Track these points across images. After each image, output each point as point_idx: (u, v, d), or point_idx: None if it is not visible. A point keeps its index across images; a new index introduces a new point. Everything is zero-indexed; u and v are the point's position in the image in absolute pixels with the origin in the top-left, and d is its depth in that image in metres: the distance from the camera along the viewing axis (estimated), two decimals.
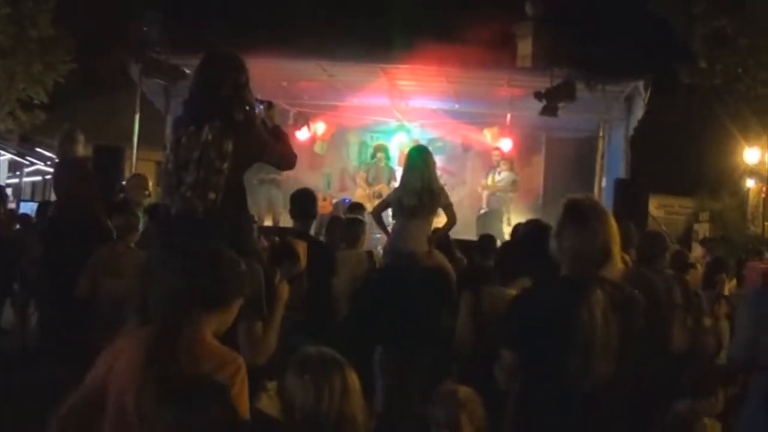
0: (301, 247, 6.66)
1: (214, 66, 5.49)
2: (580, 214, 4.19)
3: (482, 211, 17.96)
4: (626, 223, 6.75)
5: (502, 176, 18.05)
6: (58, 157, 9.97)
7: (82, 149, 9.64)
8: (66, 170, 9.72)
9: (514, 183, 18.14)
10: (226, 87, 5.35)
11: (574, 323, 3.95)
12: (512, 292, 6.43)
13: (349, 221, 9.72)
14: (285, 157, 5.86)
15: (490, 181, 18.13)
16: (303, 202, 8.11)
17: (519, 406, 4.27)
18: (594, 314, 3.95)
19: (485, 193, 18.08)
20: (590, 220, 4.14)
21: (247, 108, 5.45)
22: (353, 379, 3.61)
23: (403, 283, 7.52)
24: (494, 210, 17.78)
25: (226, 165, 5.11)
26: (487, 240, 9.58)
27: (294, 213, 8.12)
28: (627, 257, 6.48)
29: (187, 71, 15.46)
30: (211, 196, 5.08)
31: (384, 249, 8.55)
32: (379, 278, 7.99)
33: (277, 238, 7.47)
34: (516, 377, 4.26)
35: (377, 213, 9.15)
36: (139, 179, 10.42)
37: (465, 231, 13.05)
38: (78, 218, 9.11)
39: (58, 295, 8.89)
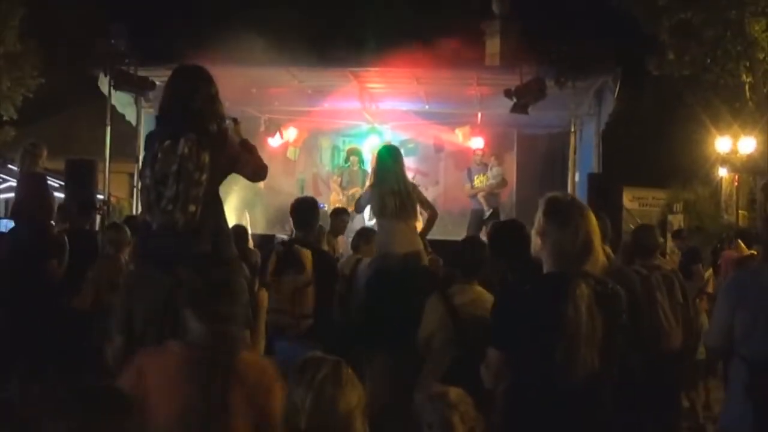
0: (306, 256, 6.67)
1: (184, 80, 5.52)
2: (560, 211, 4.23)
3: (488, 213, 17.75)
4: (602, 217, 6.80)
5: (494, 172, 17.99)
6: (18, 172, 10.02)
7: (42, 163, 9.69)
8: (21, 185, 9.86)
9: (504, 178, 18.16)
10: (198, 100, 5.37)
11: (559, 318, 4.00)
12: (478, 288, 6.49)
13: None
14: (257, 169, 5.88)
15: (479, 181, 18.02)
16: (305, 211, 8.13)
17: (508, 404, 4.31)
18: (579, 309, 4.00)
19: (481, 194, 17.97)
20: (571, 217, 4.19)
21: (219, 120, 5.49)
22: (352, 376, 3.56)
23: (404, 284, 7.47)
24: (495, 209, 17.73)
25: (204, 177, 5.13)
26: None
27: (296, 223, 8.14)
28: (608, 250, 6.52)
29: (157, 82, 15.45)
30: (192, 208, 5.10)
31: (378, 252, 8.44)
32: (378, 283, 7.93)
33: (282, 247, 7.44)
34: (503, 376, 4.30)
35: (360, 207, 9.11)
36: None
37: (443, 231, 13.03)
38: (29, 232, 9.26)
39: (15, 305, 8.99)
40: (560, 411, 4.07)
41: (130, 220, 11.66)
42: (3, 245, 9.85)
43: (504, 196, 19.34)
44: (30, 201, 9.51)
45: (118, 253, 8.55)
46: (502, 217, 16.43)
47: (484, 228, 16.93)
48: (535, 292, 4.26)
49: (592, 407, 4.13)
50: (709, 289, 12.04)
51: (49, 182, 10.10)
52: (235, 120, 6.04)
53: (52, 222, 9.87)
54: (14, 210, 10.03)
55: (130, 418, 2.86)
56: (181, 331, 5.04)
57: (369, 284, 8.11)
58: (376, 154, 8.69)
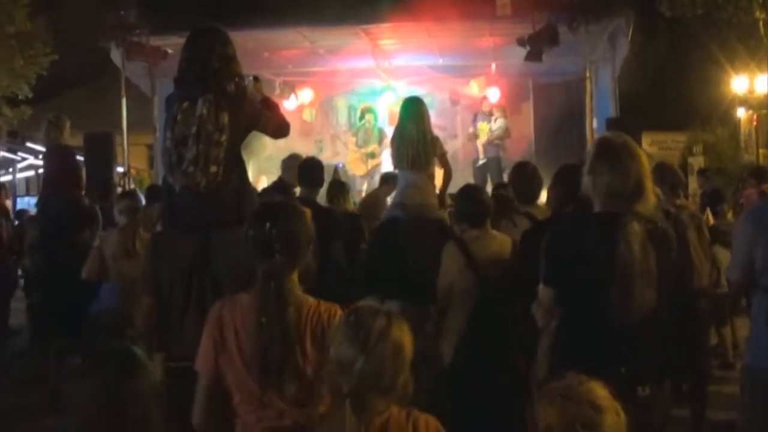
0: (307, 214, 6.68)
1: (201, 41, 5.49)
2: (612, 152, 4.25)
3: (481, 162, 17.92)
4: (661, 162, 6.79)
5: (498, 124, 17.99)
6: (44, 145, 10.03)
7: (66, 136, 9.71)
8: (49, 158, 9.87)
9: (507, 130, 18.11)
10: (215, 60, 5.36)
11: (612, 257, 4.03)
12: (492, 232, 6.51)
13: None
14: (279, 126, 5.88)
15: (483, 130, 18.06)
16: (311, 168, 8.15)
17: (561, 342, 4.35)
18: (632, 247, 4.03)
19: (480, 143, 18.03)
20: (623, 157, 4.21)
21: (238, 79, 5.48)
22: (399, 339, 3.38)
23: (416, 235, 7.48)
24: (492, 158, 17.75)
25: (224, 137, 5.14)
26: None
27: (301, 180, 8.16)
28: (658, 191, 6.51)
29: (170, 51, 15.46)
30: (213, 169, 5.11)
31: (392, 202, 8.47)
32: (390, 231, 7.93)
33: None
34: (554, 314, 4.35)
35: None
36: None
37: (461, 183, 13.01)
38: (60, 203, 9.27)
39: (52, 278, 9.11)
40: (615, 347, 4.12)
41: (152, 188, 11.72)
42: (40, 220, 9.90)
43: (521, 145, 19.36)
44: (59, 173, 9.52)
45: (130, 221, 8.52)
46: (504, 168, 16.47)
47: (488, 176, 16.99)
48: (587, 231, 4.30)
49: (644, 344, 4.18)
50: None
51: (74, 152, 10.14)
52: (255, 78, 6.09)
53: (83, 193, 9.90)
54: (45, 183, 10.05)
55: (147, 376, 2.94)
56: (207, 290, 5.11)
57: (378, 233, 8.14)
58: (400, 105, 8.69)
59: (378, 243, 7.94)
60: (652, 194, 4.27)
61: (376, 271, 7.56)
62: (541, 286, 4.37)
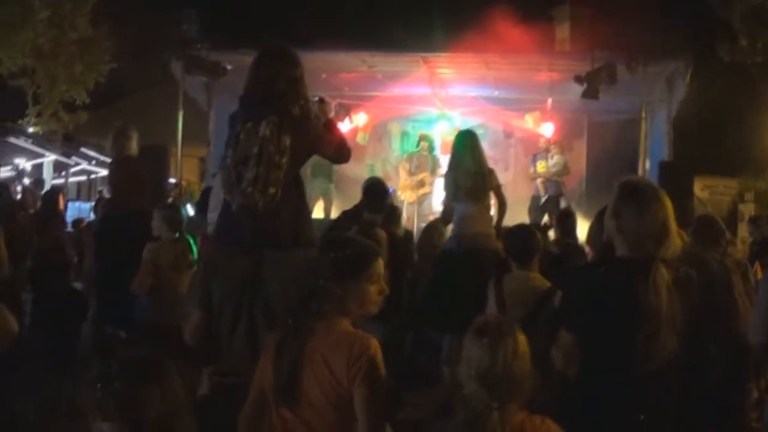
0: (383, 238, 6.70)
1: (269, 61, 5.53)
2: (638, 195, 4.23)
3: (543, 200, 17.85)
4: (683, 203, 6.75)
5: (555, 160, 17.98)
6: (111, 155, 10.02)
7: (135, 146, 9.68)
8: (117, 168, 9.84)
9: (566, 166, 18.09)
10: (282, 82, 5.41)
11: (640, 303, 4.00)
12: (532, 275, 6.53)
13: None
14: (340, 151, 5.90)
15: (541, 167, 18.03)
16: (377, 193, 8.22)
17: (582, 387, 4.29)
18: (660, 294, 4.01)
19: (540, 180, 18.01)
20: (649, 201, 4.19)
21: (303, 102, 5.51)
22: (524, 344, 3.83)
23: (472, 266, 7.50)
24: (553, 196, 17.73)
25: (284, 159, 5.17)
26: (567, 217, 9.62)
27: (369, 204, 8.21)
28: (684, 235, 6.50)
29: (229, 67, 15.60)
30: (272, 190, 5.15)
31: (452, 233, 8.49)
32: (450, 261, 7.94)
33: (356, 227, 7.49)
34: (575, 359, 4.30)
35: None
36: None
37: (511, 219, 13.00)
38: (127, 215, 9.23)
39: (112, 289, 9.02)
40: (635, 393, 4.09)
41: (202, 199, 11.73)
42: (102, 229, 9.85)
43: (572, 183, 19.28)
44: (127, 185, 9.50)
45: (172, 233, 8.54)
46: (564, 205, 16.42)
47: (546, 214, 16.98)
48: (611, 276, 4.26)
49: (665, 390, 4.15)
50: None
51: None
52: (321, 99, 6.07)
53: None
54: (114, 194, 10.00)
55: (171, 386, 3.00)
56: (258, 308, 5.15)
57: (437, 265, 8.16)
58: (453, 140, 8.73)
59: (436, 275, 7.97)
60: (677, 238, 4.26)
61: (435, 304, 7.61)
62: (562, 331, 4.35)
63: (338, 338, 3.83)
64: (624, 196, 4.28)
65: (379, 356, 3.79)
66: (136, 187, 9.40)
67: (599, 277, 4.36)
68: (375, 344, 3.81)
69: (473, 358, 3.74)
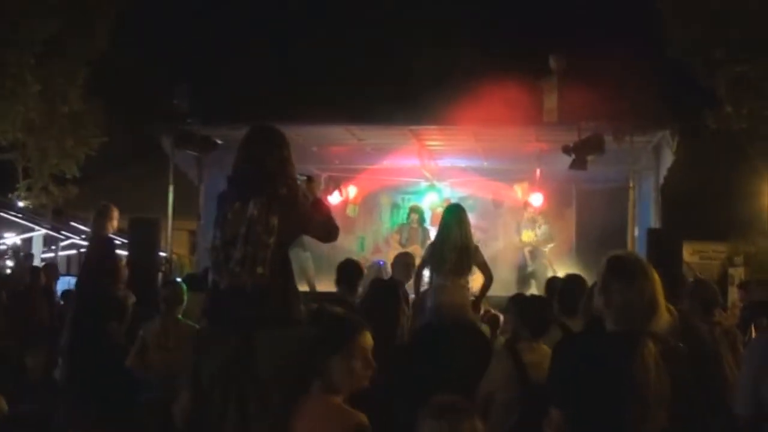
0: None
1: (257, 142, 5.59)
2: (625, 270, 4.23)
3: (529, 269, 17.88)
4: (674, 269, 6.77)
5: (542, 230, 18.08)
6: (90, 233, 10.27)
7: (113, 226, 9.87)
8: (91, 246, 10.10)
9: (551, 236, 18.22)
10: (269, 162, 5.46)
11: (628, 378, 3.99)
12: (544, 347, 6.49)
13: None
14: (327, 231, 5.89)
15: (527, 236, 18.10)
16: (349, 272, 8.23)
17: None
18: (648, 368, 3.99)
19: (527, 250, 18.06)
20: (636, 276, 4.19)
21: (290, 182, 5.55)
22: (480, 427, 3.86)
23: (452, 339, 7.48)
24: (541, 265, 17.76)
25: (272, 239, 5.21)
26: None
27: (339, 280, 8.24)
28: (672, 308, 6.52)
29: (219, 141, 15.68)
30: (260, 270, 5.17)
31: (428, 306, 8.47)
32: (427, 336, 7.92)
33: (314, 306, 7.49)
34: None
35: (418, 273, 9.21)
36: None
37: (501, 288, 13.03)
38: (93, 293, 9.44)
39: (76, 361, 9.27)
40: None
41: (191, 277, 11.78)
42: (71, 303, 10.09)
43: (561, 251, 19.34)
44: (98, 264, 9.71)
45: (169, 311, 8.58)
46: (550, 274, 16.46)
47: (532, 282, 16.99)
48: (599, 350, 4.25)
49: None
50: None
51: (114, 243, 10.28)
52: (309, 178, 6.07)
53: (118, 284, 9.99)
54: (83, 270, 10.27)
55: None
56: (248, 387, 5.15)
57: (415, 341, 8.14)
58: (441, 213, 8.78)
59: (416, 351, 7.94)
60: (665, 311, 4.24)
61: (416, 379, 7.56)
62: (551, 408, 4.31)
63: (328, 415, 3.84)
64: (611, 272, 4.27)
65: None
66: (104, 268, 9.61)
67: (585, 352, 4.34)
68: (364, 420, 3.82)
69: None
